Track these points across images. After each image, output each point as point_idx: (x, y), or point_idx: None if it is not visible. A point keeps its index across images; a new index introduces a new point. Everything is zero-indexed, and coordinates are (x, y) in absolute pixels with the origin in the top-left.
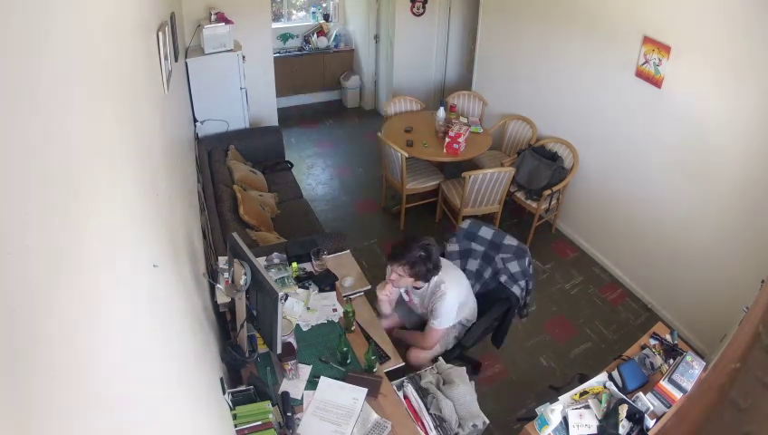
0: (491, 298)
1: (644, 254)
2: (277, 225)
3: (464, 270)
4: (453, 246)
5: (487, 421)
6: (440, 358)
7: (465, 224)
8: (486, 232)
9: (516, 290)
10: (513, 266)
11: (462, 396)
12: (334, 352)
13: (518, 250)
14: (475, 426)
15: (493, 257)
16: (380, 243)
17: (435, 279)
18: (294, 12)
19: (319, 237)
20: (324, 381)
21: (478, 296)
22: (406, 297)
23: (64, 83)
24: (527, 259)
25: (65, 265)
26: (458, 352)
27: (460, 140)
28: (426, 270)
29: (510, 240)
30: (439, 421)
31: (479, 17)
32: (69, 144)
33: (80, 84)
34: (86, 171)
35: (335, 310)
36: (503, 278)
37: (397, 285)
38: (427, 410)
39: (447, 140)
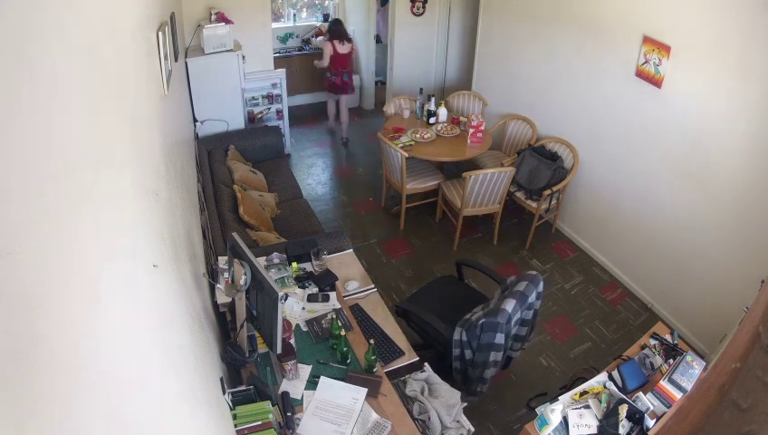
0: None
1: (644, 254)
2: (277, 225)
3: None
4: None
5: (472, 429)
6: (427, 365)
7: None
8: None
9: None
10: (521, 330)
11: (447, 408)
12: (334, 353)
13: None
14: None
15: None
16: (380, 243)
17: None
18: (294, 12)
19: (319, 237)
20: (324, 381)
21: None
22: None
23: (64, 83)
24: (533, 311)
25: (65, 264)
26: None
27: (482, 128)
28: None
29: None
30: (423, 428)
31: (479, 17)
32: (69, 144)
33: (80, 84)
34: (86, 171)
35: (335, 310)
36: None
37: None
38: (411, 415)
39: (471, 130)
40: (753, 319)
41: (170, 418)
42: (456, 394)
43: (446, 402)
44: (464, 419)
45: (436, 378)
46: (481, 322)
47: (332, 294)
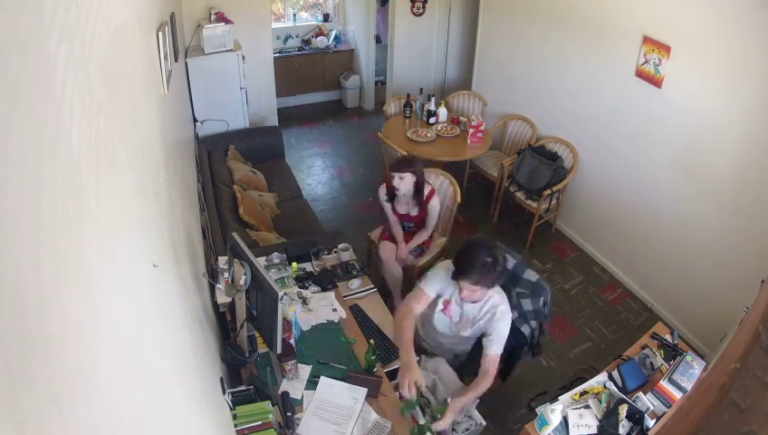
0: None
1: (644, 253)
2: (277, 225)
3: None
4: None
5: (483, 423)
6: (438, 357)
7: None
8: (509, 260)
9: (525, 330)
10: (527, 304)
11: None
12: (336, 353)
13: (536, 287)
14: (467, 430)
15: (509, 290)
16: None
17: (492, 298)
18: (294, 12)
19: (319, 237)
20: (324, 381)
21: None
22: (440, 307)
23: (64, 83)
24: (542, 299)
25: (65, 264)
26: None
27: (482, 128)
28: (496, 277)
29: (530, 275)
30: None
31: (479, 17)
32: (68, 144)
33: (79, 84)
34: (86, 171)
35: (335, 310)
36: (513, 315)
37: (470, 299)
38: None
39: (471, 130)
40: (753, 319)
41: (170, 418)
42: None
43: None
44: (476, 413)
45: (446, 371)
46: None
47: (331, 295)
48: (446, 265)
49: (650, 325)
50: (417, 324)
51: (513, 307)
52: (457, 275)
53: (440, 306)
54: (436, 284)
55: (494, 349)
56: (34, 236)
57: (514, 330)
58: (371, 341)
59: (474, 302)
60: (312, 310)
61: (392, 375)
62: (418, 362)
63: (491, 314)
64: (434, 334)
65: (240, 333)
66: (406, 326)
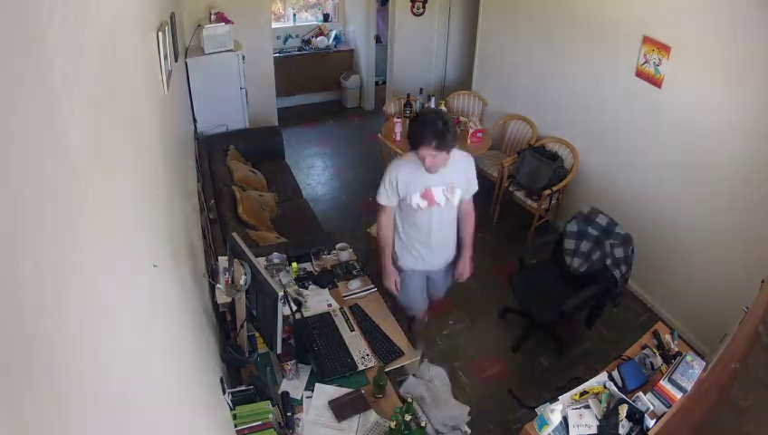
0: (594, 278)
1: (644, 253)
2: (277, 225)
3: (576, 250)
4: (572, 227)
5: (468, 430)
6: (426, 362)
7: (586, 209)
8: (602, 219)
9: (617, 274)
10: (618, 252)
11: (445, 419)
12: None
13: (625, 238)
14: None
15: (603, 242)
16: None
17: (455, 154)
18: (295, 12)
19: (319, 237)
20: (319, 388)
21: (584, 275)
22: (422, 203)
23: (63, 83)
24: (631, 247)
25: (65, 265)
26: (547, 325)
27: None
28: (451, 138)
29: (620, 229)
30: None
31: (479, 17)
32: (68, 144)
33: (79, 84)
34: (86, 171)
35: (330, 305)
36: (608, 261)
37: (434, 169)
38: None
39: (471, 130)
40: (753, 319)
41: (170, 418)
42: (464, 410)
43: (447, 414)
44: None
45: (442, 382)
46: None
47: (325, 291)
48: (396, 165)
49: (650, 325)
50: (403, 251)
51: (606, 256)
52: (419, 145)
53: (422, 203)
54: (387, 191)
55: (472, 191)
56: (34, 236)
57: (608, 274)
58: (381, 363)
59: (440, 168)
60: (308, 307)
61: (393, 375)
62: (399, 381)
63: (465, 162)
64: (426, 240)
65: (240, 333)
66: (388, 235)
